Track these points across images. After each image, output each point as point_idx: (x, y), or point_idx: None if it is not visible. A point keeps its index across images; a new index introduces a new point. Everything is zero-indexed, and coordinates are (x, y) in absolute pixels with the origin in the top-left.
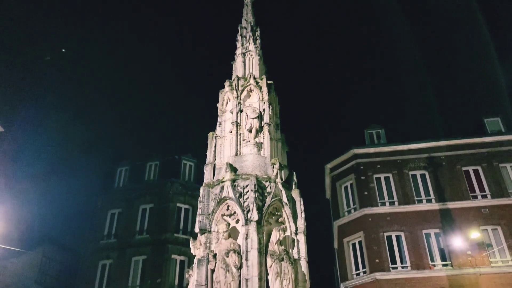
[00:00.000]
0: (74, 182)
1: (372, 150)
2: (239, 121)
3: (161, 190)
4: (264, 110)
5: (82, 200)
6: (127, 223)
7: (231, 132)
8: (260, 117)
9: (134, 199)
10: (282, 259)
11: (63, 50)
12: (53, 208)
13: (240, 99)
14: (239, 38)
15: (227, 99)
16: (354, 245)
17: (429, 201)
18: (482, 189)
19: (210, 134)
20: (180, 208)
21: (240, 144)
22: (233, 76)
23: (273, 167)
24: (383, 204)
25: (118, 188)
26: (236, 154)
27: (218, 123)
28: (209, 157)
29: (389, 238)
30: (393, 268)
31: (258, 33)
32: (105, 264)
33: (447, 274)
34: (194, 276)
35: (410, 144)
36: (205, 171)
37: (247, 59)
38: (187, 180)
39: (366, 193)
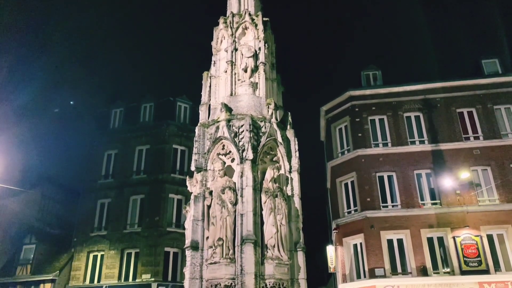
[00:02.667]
0: (70, 123)
1: (368, 92)
2: (234, 60)
3: (156, 132)
4: (259, 48)
5: (78, 141)
6: (124, 164)
7: (226, 71)
8: (255, 56)
9: (130, 140)
10: (276, 196)
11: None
12: (50, 149)
13: (235, 37)
14: None
15: (221, 37)
16: (346, 184)
17: (422, 142)
18: (475, 130)
19: (205, 73)
20: (176, 150)
21: (235, 84)
22: (228, 13)
23: (268, 107)
24: (377, 145)
25: (114, 129)
26: (231, 94)
27: (212, 62)
28: (204, 98)
29: (381, 178)
30: (383, 206)
31: None
32: (103, 203)
33: (435, 212)
34: (191, 212)
35: (406, 86)
36: (200, 111)
37: None
38: (182, 122)
39: (360, 134)
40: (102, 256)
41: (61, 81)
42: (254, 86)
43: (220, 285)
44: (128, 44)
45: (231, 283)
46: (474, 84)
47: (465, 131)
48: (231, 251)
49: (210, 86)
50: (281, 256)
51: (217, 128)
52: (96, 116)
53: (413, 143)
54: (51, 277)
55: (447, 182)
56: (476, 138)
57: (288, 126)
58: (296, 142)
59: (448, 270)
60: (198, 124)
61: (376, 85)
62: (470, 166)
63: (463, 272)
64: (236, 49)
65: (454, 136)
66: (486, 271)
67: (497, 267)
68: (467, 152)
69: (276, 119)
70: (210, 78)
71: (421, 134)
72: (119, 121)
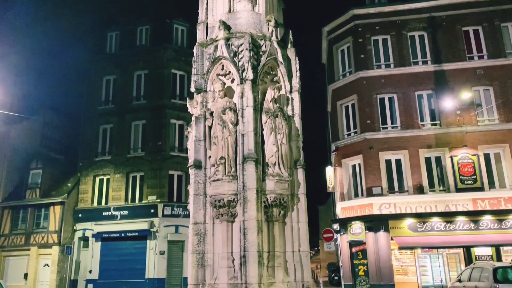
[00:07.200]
0: (66, 48)
1: (372, 10)
2: None
3: (154, 57)
4: None
5: (76, 67)
6: (123, 89)
7: None
8: None
9: (128, 65)
10: (277, 116)
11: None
12: (49, 76)
13: None
14: None
15: None
16: (347, 107)
17: (425, 62)
18: (479, 49)
19: None
20: (175, 75)
21: (233, 0)
22: None
23: (268, 24)
24: (379, 67)
25: (110, 54)
26: (230, 11)
27: None
28: (201, 15)
29: (382, 100)
30: (383, 128)
31: None
32: (105, 128)
33: (434, 133)
34: (193, 132)
35: (411, 3)
36: (197, 30)
37: None
38: (180, 46)
39: (362, 56)
40: (108, 179)
41: (57, 5)
42: (254, 1)
43: (223, 200)
44: None
45: (234, 198)
46: (482, 0)
47: (469, 50)
48: (233, 169)
49: (207, 3)
50: (282, 173)
51: (216, 47)
52: (92, 40)
53: (415, 63)
54: (60, 200)
55: (448, 102)
56: (481, 57)
57: (289, 45)
58: (297, 62)
59: (444, 188)
60: (196, 44)
61: (381, 3)
62: (472, 86)
63: (458, 190)
64: None
65: (458, 56)
66: (481, 188)
67: (491, 185)
68: (470, 72)
69: (277, 37)
70: None
71: (425, 54)
72: (115, 46)
